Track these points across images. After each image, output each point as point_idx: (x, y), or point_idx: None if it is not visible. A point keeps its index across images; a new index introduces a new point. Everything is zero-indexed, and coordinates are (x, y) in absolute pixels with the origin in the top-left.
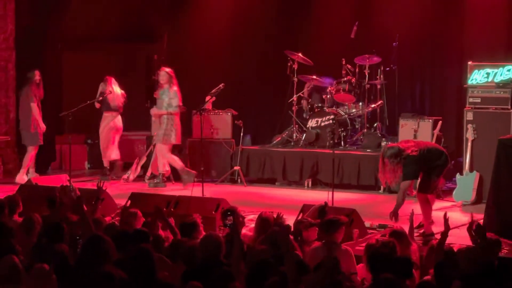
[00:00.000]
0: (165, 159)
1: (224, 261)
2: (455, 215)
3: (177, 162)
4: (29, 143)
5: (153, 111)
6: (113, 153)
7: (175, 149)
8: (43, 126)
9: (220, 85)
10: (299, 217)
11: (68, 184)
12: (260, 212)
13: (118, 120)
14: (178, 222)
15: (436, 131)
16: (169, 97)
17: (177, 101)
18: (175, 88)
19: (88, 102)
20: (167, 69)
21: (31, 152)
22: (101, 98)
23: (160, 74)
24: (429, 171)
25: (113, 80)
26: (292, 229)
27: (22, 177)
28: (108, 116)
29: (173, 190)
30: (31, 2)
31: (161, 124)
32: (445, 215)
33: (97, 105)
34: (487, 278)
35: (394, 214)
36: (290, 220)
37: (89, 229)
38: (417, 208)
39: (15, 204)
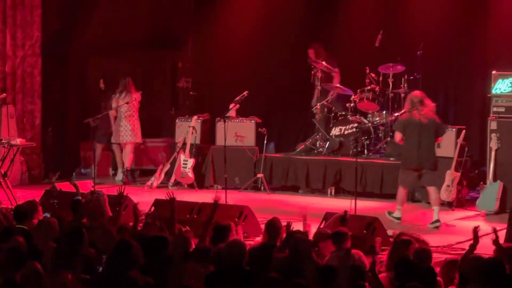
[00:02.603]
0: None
1: (246, 268)
2: (478, 224)
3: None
4: None
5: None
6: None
7: (200, 153)
8: None
9: (244, 93)
10: (322, 225)
11: (94, 190)
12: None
13: None
14: (200, 229)
15: (460, 140)
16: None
17: None
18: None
19: (113, 108)
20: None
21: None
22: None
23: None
24: None
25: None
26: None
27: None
28: None
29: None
30: (58, 9)
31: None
32: (475, 228)
33: None
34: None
35: None
36: (312, 228)
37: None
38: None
39: (35, 209)
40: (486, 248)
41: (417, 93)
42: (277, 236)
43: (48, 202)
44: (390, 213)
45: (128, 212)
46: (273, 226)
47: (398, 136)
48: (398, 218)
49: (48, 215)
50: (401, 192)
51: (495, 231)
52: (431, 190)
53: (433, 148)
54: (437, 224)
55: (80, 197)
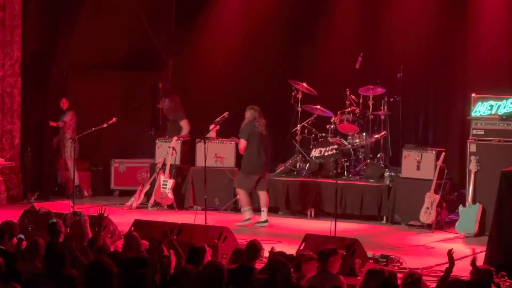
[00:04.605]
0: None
1: None
2: (457, 246)
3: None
4: None
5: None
6: None
7: (180, 174)
8: None
9: (225, 114)
10: (301, 247)
11: (74, 211)
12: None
13: None
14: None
15: (439, 163)
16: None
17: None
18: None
19: (93, 129)
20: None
21: None
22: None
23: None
24: None
25: None
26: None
27: None
28: None
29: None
30: (38, 29)
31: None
32: (450, 251)
33: None
34: None
35: None
36: (292, 250)
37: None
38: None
39: (13, 228)
40: (463, 271)
41: (256, 107)
42: (256, 258)
43: (26, 223)
44: (257, 223)
45: (107, 233)
46: (253, 248)
47: (243, 143)
48: (266, 221)
49: (22, 236)
50: (245, 194)
51: (473, 259)
52: (263, 194)
53: (270, 155)
54: (265, 224)
55: (54, 220)
